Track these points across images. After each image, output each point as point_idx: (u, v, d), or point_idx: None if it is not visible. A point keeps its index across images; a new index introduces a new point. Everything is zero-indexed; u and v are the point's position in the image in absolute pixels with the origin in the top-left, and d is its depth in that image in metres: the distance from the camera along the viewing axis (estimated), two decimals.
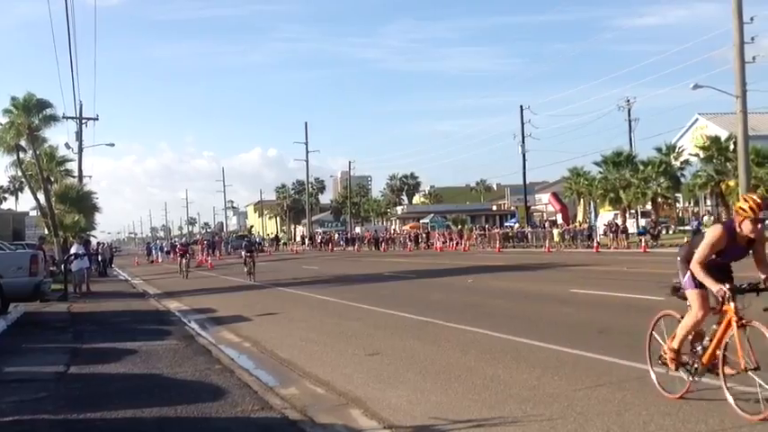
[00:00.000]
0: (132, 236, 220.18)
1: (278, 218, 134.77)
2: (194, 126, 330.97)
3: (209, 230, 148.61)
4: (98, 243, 56.75)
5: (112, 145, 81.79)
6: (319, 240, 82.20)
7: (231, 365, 10.12)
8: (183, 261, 35.52)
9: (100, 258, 42.26)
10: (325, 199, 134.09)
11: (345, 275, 29.66)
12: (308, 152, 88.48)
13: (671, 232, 54.58)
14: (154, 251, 72.90)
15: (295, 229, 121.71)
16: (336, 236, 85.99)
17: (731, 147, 46.52)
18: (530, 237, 55.89)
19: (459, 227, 70.28)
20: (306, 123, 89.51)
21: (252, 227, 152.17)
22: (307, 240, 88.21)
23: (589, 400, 7.10)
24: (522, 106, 68.75)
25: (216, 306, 19.32)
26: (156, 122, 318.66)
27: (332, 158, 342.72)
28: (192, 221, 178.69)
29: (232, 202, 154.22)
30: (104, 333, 14.15)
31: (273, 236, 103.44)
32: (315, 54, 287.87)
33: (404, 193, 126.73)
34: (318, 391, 8.53)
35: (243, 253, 29.68)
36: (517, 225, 65.34)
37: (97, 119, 46.49)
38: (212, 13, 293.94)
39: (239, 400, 7.84)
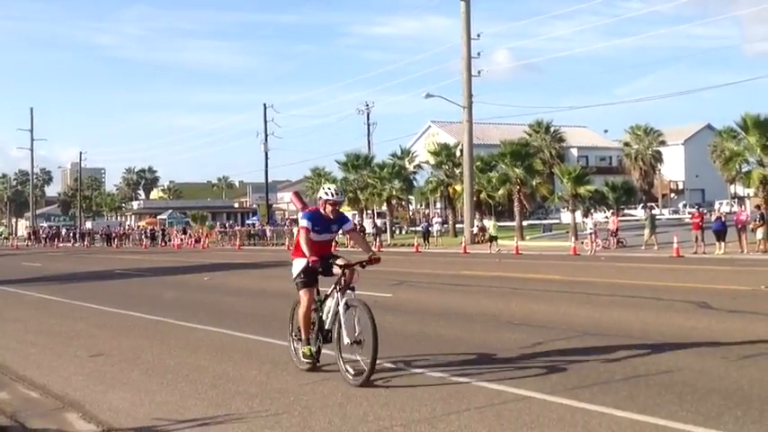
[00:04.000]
0: None
1: None
2: None
3: None
4: None
5: None
6: (44, 235, 76.61)
7: None
8: None
9: None
10: (52, 191, 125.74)
11: (72, 273, 27.94)
12: (33, 140, 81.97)
13: (404, 232, 57.85)
14: None
15: (17, 222, 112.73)
16: (64, 231, 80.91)
17: (458, 154, 50.25)
18: (270, 235, 56.28)
19: (206, 224, 69.03)
20: (31, 109, 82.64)
21: None
22: (30, 235, 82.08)
23: (314, 395, 7.27)
24: (265, 104, 69.34)
25: None
26: None
27: (62, 148, 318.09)
28: None
29: None
30: None
31: None
32: (43, 35, 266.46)
33: (141, 188, 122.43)
34: (32, 395, 7.93)
35: None
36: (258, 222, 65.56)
37: None
38: None
39: None
